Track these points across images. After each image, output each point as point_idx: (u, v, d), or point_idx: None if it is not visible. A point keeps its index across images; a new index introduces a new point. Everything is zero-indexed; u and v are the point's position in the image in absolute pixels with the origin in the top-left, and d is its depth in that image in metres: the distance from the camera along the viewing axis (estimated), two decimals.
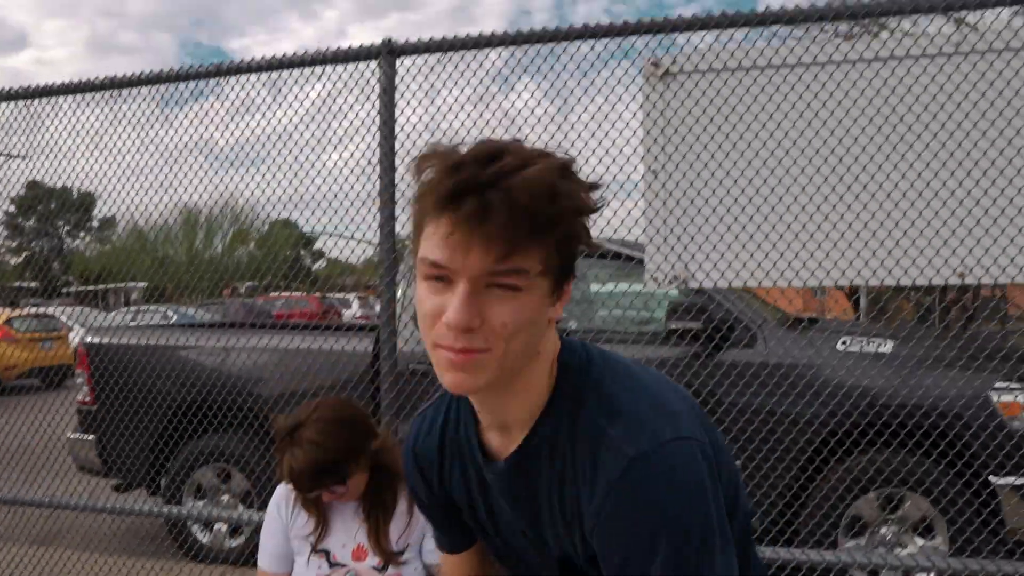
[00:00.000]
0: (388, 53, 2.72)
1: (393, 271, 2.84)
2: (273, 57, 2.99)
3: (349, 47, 2.83)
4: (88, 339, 4.89)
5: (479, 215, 0.83)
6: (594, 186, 0.92)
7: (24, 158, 4.08)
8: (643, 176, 2.42)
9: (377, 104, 2.81)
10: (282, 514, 2.05)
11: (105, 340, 4.83)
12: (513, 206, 0.83)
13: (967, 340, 4.17)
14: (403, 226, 2.79)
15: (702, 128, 2.39)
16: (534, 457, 1.02)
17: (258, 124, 3.27)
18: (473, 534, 1.24)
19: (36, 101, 3.69)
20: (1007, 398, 3.70)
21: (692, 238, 2.39)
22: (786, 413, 3.64)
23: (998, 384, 3.72)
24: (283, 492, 2.06)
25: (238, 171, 3.63)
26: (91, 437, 4.80)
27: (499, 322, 0.88)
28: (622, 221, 2.69)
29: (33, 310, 14.73)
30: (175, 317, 15.26)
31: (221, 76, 3.02)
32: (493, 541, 1.18)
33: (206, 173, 3.61)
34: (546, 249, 0.88)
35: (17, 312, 13.47)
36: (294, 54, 2.89)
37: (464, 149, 0.87)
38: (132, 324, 6.13)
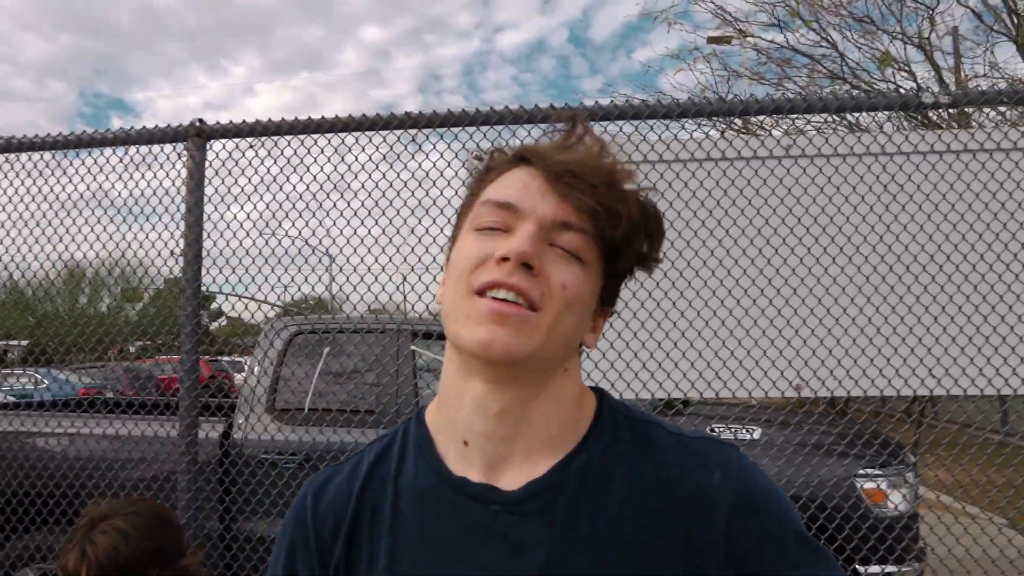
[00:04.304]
0: (197, 136, 2.51)
1: (195, 336, 2.53)
2: (59, 135, 2.73)
3: (155, 127, 2.61)
4: None
5: (572, 183, 0.78)
6: (658, 259, 0.87)
7: None
8: None
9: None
10: None
11: None
12: (608, 202, 0.78)
13: (832, 425, 4.19)
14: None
15: None
16: (582, 476, 0.81)
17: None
18: None
19: None
20: (871, 485, 3.71)
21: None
22: None
23: (863, 471, 3.73)
24: None
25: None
26: None
27: (558, 281, 0.78)
28: None
29: None
30: (47, 383, 14.19)
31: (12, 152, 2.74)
32: None
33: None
34: (605, 258, 0.82)
35: None
36: (96, 132, 2.63)
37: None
38: None
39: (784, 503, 0.82)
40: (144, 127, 2.60)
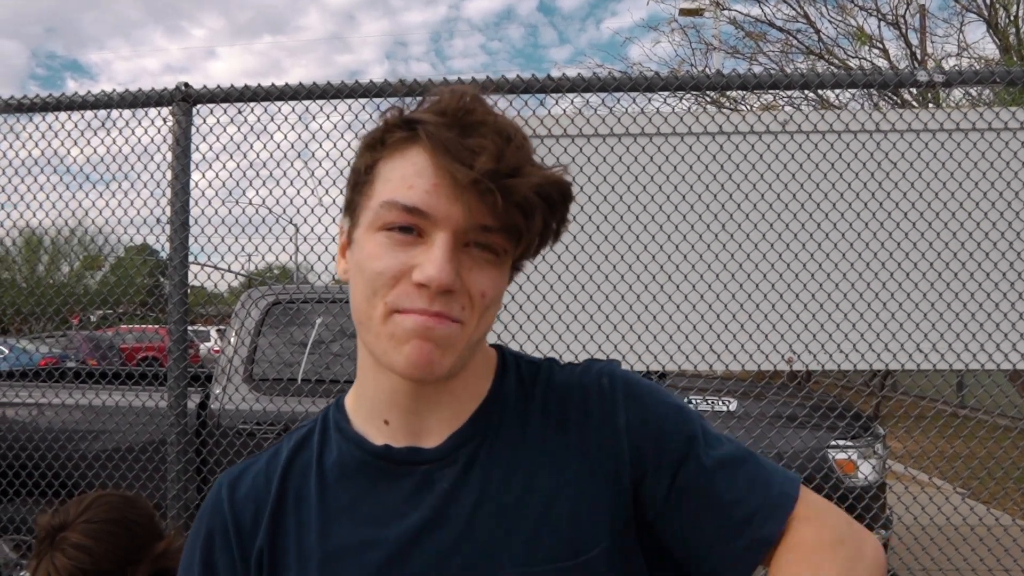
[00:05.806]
0: (183, 100, 2.43)
1: (184, 306, 2.50)
2: (36, 97, 2.63)
3: (139, 90, 2.52)
4: None
5: (481, 187, 0.70)
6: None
7: None
8: None
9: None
10: None
11: None
12: (520, 198, 0.72)
13: (805, 398, 4.27)
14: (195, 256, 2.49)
15: None
16: (501, 417, 0.85)
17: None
18: None
19: None
20: (842, 456, 3.80)
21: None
22: None
23: (835, 442, 3.82)
24: None
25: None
26: None
27: (478, 291, 0.75)
28: None
29: None
30: (7, 352, 13.87)
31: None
32: None
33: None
34: (525, 234, 0.76)
35: None
36: (76, 95, 2.54)
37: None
38: None
39: (661, 391, 0.87)
40: (127, 90, 2.51)
